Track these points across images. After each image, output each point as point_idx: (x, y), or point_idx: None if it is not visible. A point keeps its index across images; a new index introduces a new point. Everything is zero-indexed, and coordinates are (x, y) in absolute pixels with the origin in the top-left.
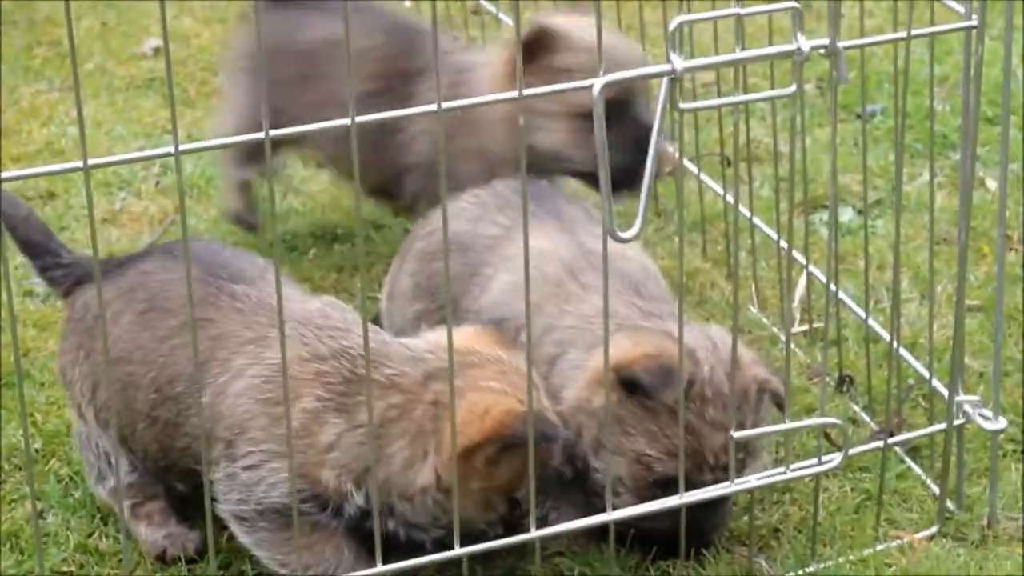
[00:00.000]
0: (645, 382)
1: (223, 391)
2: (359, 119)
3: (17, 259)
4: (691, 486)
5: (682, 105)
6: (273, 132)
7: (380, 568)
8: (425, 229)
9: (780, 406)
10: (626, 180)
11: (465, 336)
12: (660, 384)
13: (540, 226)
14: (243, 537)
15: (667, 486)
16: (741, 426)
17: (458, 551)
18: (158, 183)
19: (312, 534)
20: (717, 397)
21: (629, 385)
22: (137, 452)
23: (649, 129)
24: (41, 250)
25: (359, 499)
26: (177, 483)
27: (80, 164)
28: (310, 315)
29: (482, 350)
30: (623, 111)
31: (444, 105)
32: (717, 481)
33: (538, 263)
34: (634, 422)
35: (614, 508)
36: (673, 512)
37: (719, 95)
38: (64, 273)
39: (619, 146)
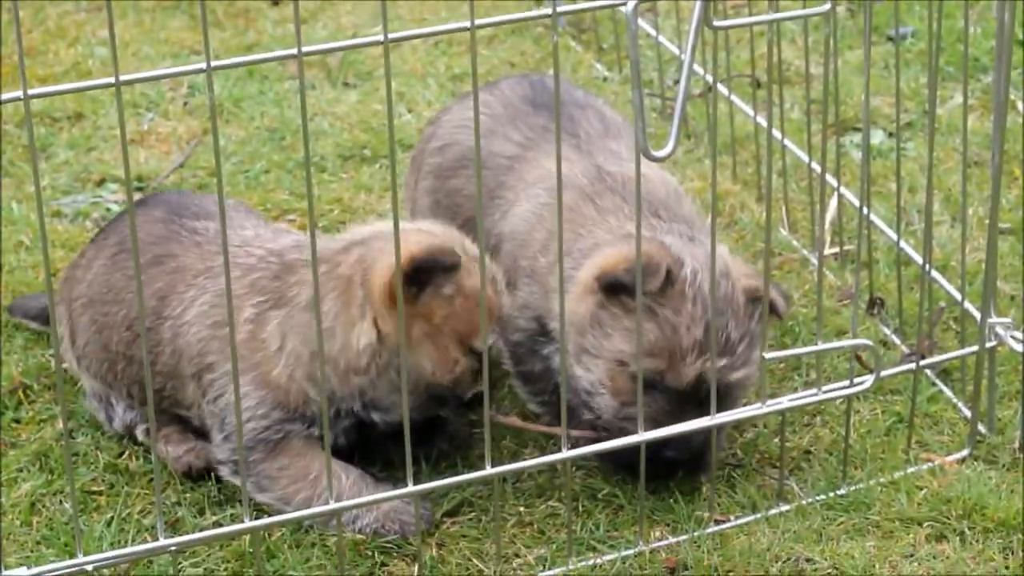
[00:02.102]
0: (625, 280)
1: (181, 324)
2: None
3: (46, 179)
4: (670, 388)
5: (716, 23)
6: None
7: (411, 488)
8: (436, 143)
9: (776, 312)
10: None
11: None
12: (633, 277)
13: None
14: (250, 487)
15: (649, 387)
16: (726, 330)
17: (489, 471)
18: (186, 104)
19: (306, 461)
20: (697, 297)
21: (610, 288)
22: (124, 395)
23: None
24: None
25: (313, 393)
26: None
27: (112, 80)
28: (248, 239)
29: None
30: None
31: (477, 22)
32: (699, 384)
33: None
34: (613, 323)
35: (598, 412)
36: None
37: (750, 15)
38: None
39: None
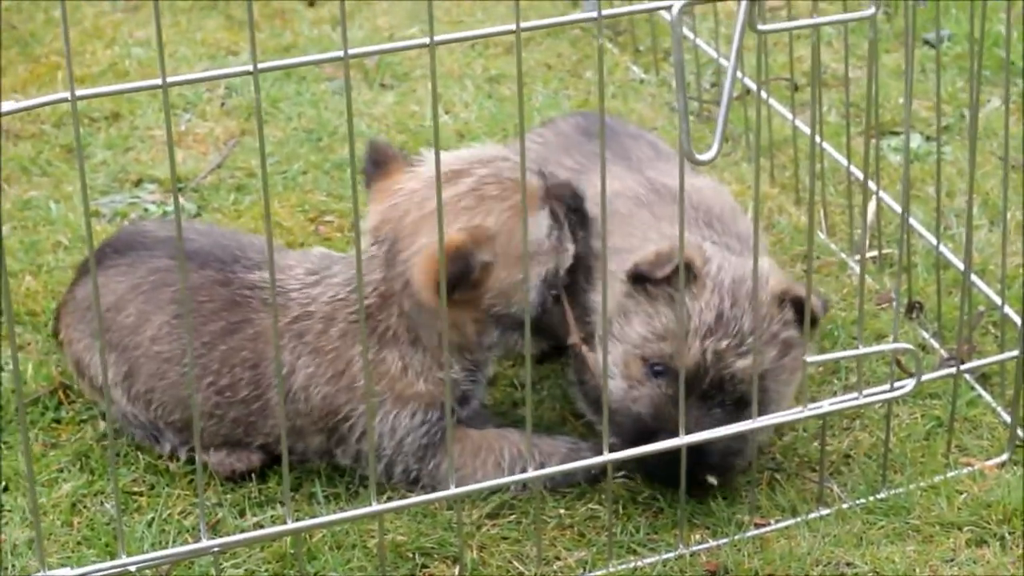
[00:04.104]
0: (643, 269)
1: (293, 392)
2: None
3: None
4: (672, 371)
5: (760, 27)
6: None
7: (453, 490)
8: None
9: (812, 320)
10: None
11: None
12: (654, 267)
13: (609, 168)
14: (453, 485)
15: (658, 374)
16: (739, 321)
17: (532, 474)
18: (223, 104)
19: (475, 434)
20: (716, 289)
21: (635, 278)
22: (191, 432)
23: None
24: None
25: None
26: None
27: (158, 82)
28: (312, 279)
29: None
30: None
31: (522, 25)
32: (702, 371)
33: (610, 201)
34: (636, 310)
35: (610, 394)
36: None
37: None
38: None
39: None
